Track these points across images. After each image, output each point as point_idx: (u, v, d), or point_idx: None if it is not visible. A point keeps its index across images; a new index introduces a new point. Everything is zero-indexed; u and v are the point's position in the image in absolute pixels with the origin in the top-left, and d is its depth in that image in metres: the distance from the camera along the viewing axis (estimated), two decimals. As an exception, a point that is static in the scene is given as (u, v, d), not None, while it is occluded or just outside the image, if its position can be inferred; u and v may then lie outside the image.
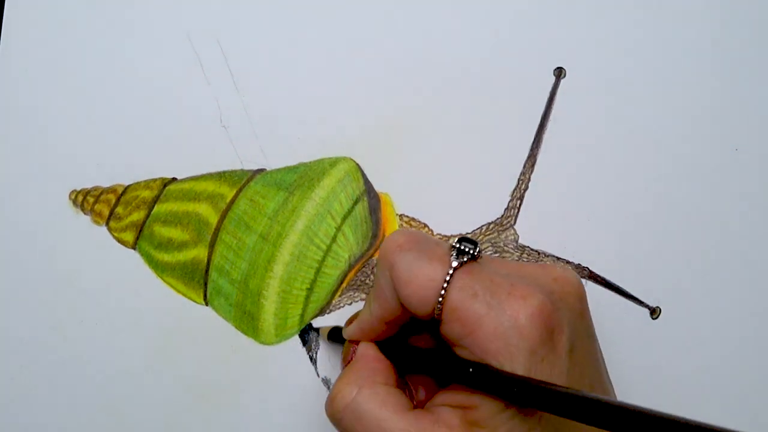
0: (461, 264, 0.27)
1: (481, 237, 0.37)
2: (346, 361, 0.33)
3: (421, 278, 0.28)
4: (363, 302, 0.37)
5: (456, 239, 0.28)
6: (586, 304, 0.29)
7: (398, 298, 0.29)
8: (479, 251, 0.28)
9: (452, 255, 0.28)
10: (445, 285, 0.27)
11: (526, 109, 0.38)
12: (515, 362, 0.26)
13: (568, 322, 0.27)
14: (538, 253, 0.37)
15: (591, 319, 0.29)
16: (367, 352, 0.31)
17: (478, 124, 0.38)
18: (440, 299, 0.27)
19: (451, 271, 0.27)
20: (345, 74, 0.38)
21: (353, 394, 0.29)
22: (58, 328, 0.37)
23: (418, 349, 0.31)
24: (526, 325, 0.26)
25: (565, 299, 0.28)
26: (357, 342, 0.32)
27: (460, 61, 0.38)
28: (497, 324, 0.26)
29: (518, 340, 0.26)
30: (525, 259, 0.37)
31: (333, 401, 0.29)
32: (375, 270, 0.30)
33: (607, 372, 0.30)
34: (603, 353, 0.30)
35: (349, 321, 0.33)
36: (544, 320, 0.26)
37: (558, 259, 0.37)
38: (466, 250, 0.28)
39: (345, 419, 0.28)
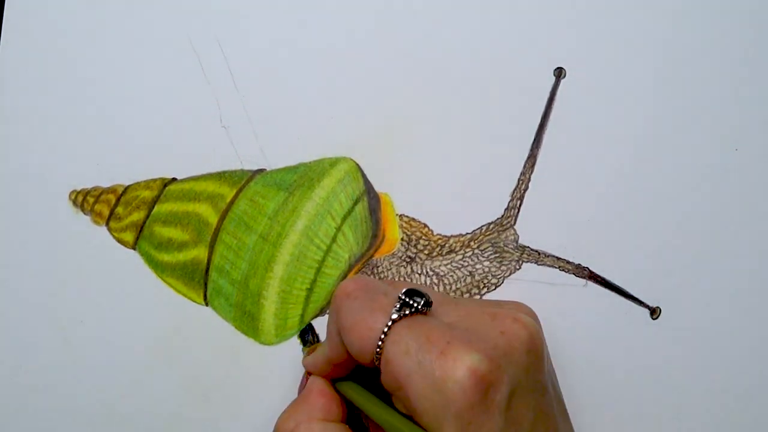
0: (402, 316, 0.28)
1: (481, 237, 0.37)
2: (299, 391, 0.34)
3: (362, 327, 0.28)
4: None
5: (404, 290, 0.28)
6: (539, 355, 0.29)
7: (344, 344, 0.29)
8: (427, 303, 0.28)
9: (395, 306, 0.28)
10: (382, 336, 0.27)
11: (526, 109, 0.38)
12: (441, 425, 0.26)
13: (508, 380, 0.27)
14: (538, 253, 0.37)
15: (544, 371, 0.29)
16: (313, 386, 0.32)
17: (478, 124, 0.38)
18: (378, 350, 0.27)
19: (389, 323, 0.27)
20: (345, 74, 0.38)
21: (290, 429, 0.30)
22: (58, 328, 0.37)
23: (363, 392, 0.31)
24: (453, 389, 0.26)
25: (510, 354, 0.27)
26: (310, 373, 0.32)
27: (459, 61, 0.38)
28: (424, 385, 0.26)
29: (444, 403, 0.26)
30: (525, 260, 0.37)
31: None
32: (329, 312, 0.31)
33: (564, 420, 0.30)
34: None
35: (312, 349, 0.34)
36: (476, 381, 0.26)
37: (558, 259, 0.37)
38: (411, 302, 0.28)
39: None
